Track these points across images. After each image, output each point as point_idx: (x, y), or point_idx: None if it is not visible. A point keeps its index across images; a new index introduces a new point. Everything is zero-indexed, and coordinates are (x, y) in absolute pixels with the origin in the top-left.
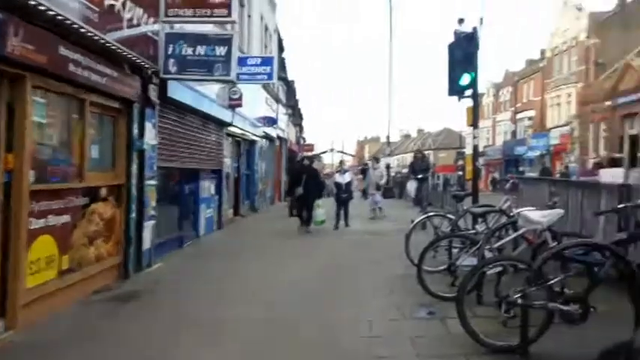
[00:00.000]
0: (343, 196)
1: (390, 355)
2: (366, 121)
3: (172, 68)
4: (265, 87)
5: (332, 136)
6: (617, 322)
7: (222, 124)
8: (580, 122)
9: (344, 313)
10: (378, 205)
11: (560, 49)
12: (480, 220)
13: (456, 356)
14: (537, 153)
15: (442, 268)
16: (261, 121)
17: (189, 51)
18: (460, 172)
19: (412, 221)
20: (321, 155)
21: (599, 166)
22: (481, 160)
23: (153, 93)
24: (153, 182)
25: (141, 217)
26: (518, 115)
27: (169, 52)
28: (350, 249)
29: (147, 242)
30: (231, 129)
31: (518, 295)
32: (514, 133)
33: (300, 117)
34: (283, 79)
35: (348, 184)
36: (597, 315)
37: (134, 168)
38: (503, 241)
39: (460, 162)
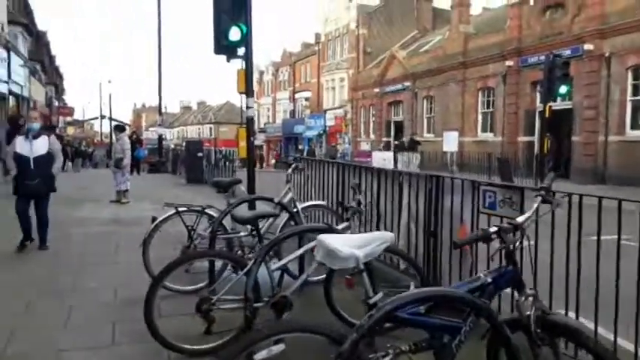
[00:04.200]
0: (31, 183)
1: None
2: (146, 89)
3: None
4: None
5: (110, 103)
6: None
7: None
8: (352, 106)
9: None
10: (120, 186)
11: (334, 36)
12: (251, 226)
13: None
14: (315, 132)
15: (197, 287)
16: None
17: None
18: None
19: (153, 219)
20: (91, 122)
21: (400, 147)
22: (262, 137)
23: None
24: None
25: None
26: (297, 95)
27: None
28: (64, 257)
29: None
30: None
31: None
32: (293, 112)
33: (59, 76)
34: (24, 25)
35: (44, 159)
36: None
37: None
38: (286, 260)
39: None
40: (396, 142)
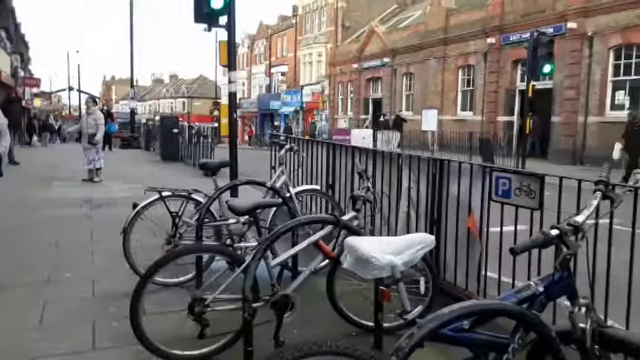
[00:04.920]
0: None
1: None
2: (116, 60)
3: None
4: None
5: (78, 75)
6: None
7: None
8: (330, 82)
9: None
10: (93, 164)
11: (312, 8)
12: (246, 217)
13: None
14: (292, 109)
15: (185, 279)
16: None
17: None
18: (216, 124)
19: (134, 206)
20: (59, 94)
21: (384, 125)
22: (237, 112)
23: None
24: None
25: None
26: (273, 70)
27: None
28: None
29: None
30: None
31: None
32: (269, 87)
33: (24, 45)
34: None
35: None
36: None
37: None
38: (287, 255)
39: (216, 112)
40: (380, 119)
